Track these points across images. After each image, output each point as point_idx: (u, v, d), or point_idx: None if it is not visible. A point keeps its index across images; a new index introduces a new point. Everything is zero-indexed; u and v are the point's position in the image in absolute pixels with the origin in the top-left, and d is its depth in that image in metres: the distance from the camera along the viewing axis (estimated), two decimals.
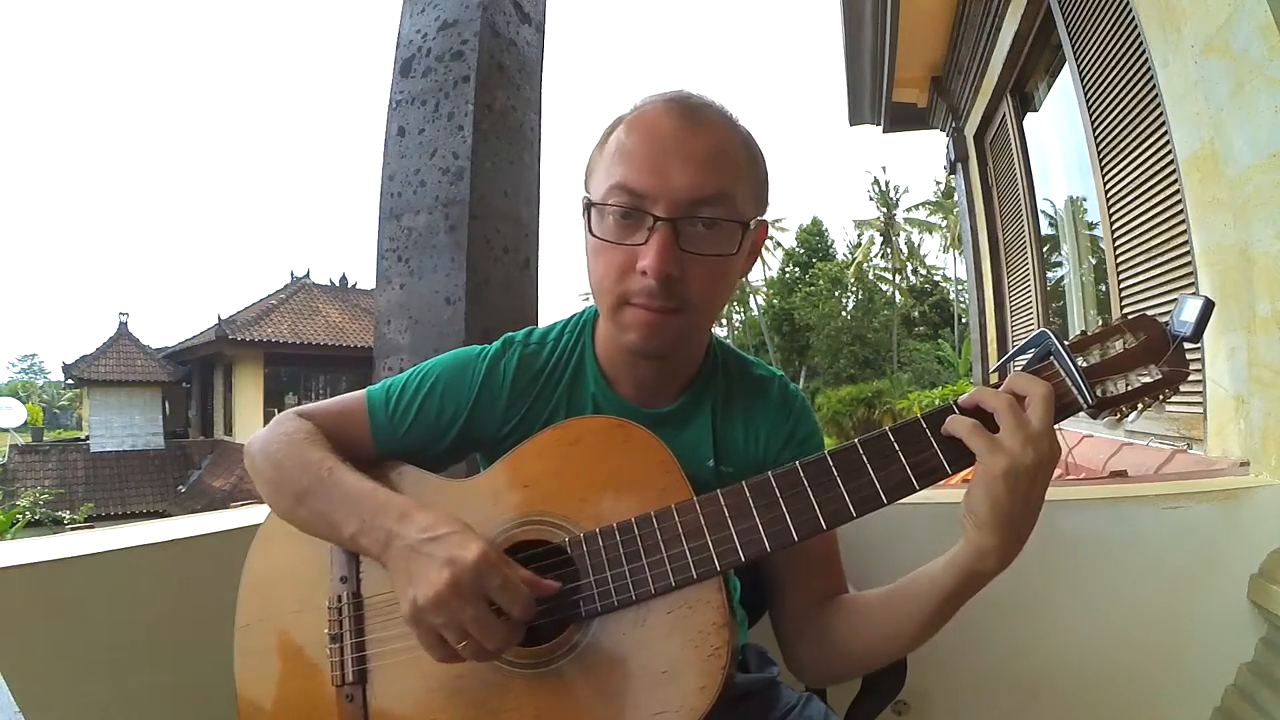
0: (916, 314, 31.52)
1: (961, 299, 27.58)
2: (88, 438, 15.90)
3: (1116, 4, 2.17)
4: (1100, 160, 2.51)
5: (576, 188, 0.74)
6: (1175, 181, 1.87)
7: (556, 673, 0.63)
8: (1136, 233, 2.27)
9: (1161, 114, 1.87)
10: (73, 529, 1.31)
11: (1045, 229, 3.75)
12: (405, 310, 1.31)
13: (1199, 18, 1.44)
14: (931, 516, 1.12)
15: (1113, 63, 2.28)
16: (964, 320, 25.15)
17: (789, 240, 33.96)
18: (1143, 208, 2.20)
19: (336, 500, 0.67)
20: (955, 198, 7.03)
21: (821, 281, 30.74)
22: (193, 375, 17.56)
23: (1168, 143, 1.86)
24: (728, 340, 0.88)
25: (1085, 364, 0.60)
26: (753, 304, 31.87)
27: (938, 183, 28.84)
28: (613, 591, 0.63)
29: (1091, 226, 3.11)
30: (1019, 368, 0.62)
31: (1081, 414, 0.61)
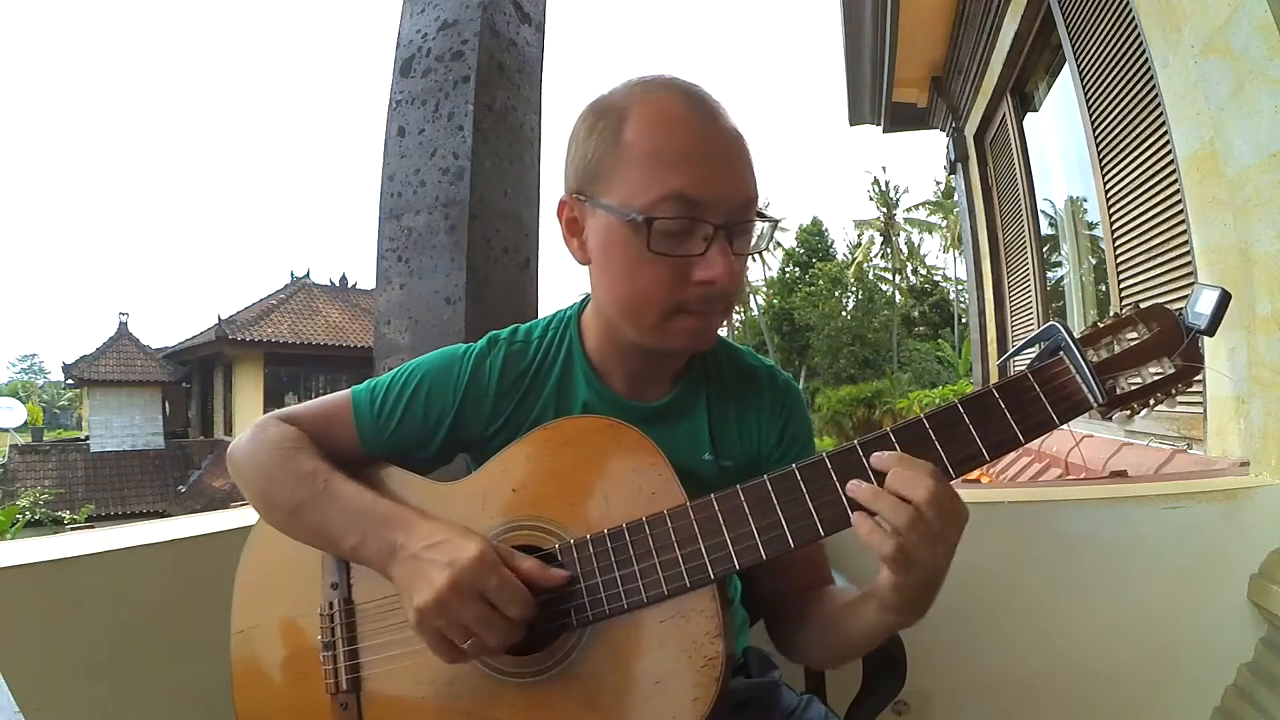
0: (916, 314, 31.50)
1: (961, 299, 27.56)
2: (88, 438, 15.90)
3: (1116, 4, 2.17)
4: (1100, 160, 2.51)
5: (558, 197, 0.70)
6: (1175, 181, 1.87)
7: (548, 681, 0.63)
8: (1136, 233, 2.27)
9: (1161, 114, 1.87)
10: (73, 529, 1.31)
11: (1045, 229, 3.75)
12: (405, 310, 1.31)
13: (1199, 18, 1.44)
14: None
15: (1113, 63, 2.28)
16: (964, 320, 25.14)
17: (789, 240, 33.96)
18: (1143, 207, 2.20)
19: (335, 514, 0.66)
20: (955, 198, 7.03)
21: (821, 281, 30.71)
22: (193, 375, 17.56)
23: (1168, 142, 1.86)
24: (727, 338, 0.88)
25: (1096, 359, 0.57)
26: (753, 304, 31.84)
27: (938, 183, 28.84)
28: (604, 599, 0.62)
29: (1091, 226, 3.11)
30: (1026, 362, 0.60)
31: (1089, 413, 0.58)
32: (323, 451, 0.71)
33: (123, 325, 16.52)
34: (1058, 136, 3.35)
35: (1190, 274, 1.85)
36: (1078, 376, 0.57)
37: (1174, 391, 0.57)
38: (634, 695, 0.60)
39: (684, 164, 0.62)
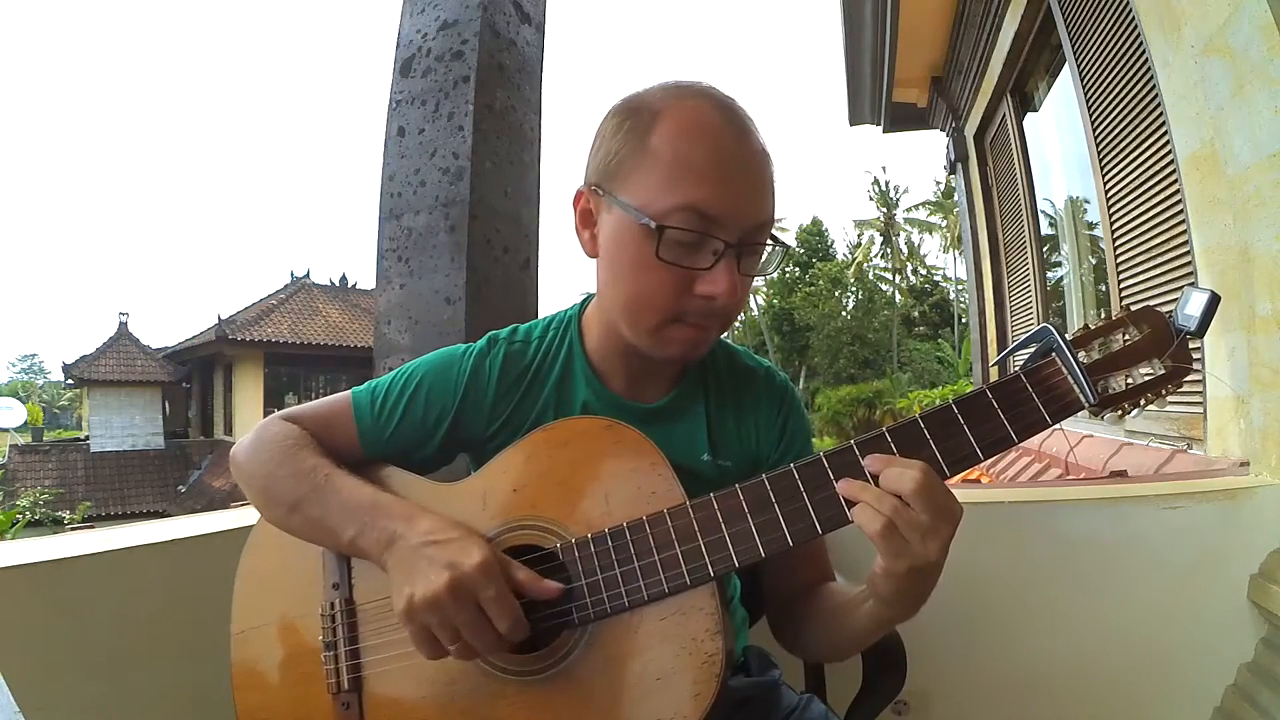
0: (916, 314, 31.51)
1: (961, 299, 27.57)
2: (88, 438, 15.90)
3: (1116, 4, 2.17)
4: (1100, 160, 2.50)
5: (576, 186, 0.72)
6: (1175, 181, 1.87)
7: (550, 680, 0.63)
8: (1136, 232, 2.27)
9: (1161, 114, 1.87)
10: (73, 529, 1.31)
11: (1045, 229, 3.75)
12: (405, 310, 1.31)
13: (1199, 18, 1.44)
14: None
15: (1113, 63, 2.27)
16: (964, 320, 25.14)
17: (789, 240, 33.85)
18: (1143, 207, 2.20)
19: (334, 507, 0.67)
20: (955, 198, 7.03)
21: (821, 281, 30.72)
22: (193, 375, 17.56)
23: (1168, 143, 1.86)
24: (727, 339, 0.88)
25: (1087, 360, 0.59)
26: (753, 304, 31.84)
27: (938, 183, 28.86)
28: (605, 598, 0.62)
29: (1091, 226, 3.11)
30: (1020, 363, 0.62)
31: (1082, 413, 0.60)
32: (324, 449, 0.72)
33: (123, 325, 16.52)
34: (1058, 136, 3.35)
35: (1190, 274, 1.84)
36: (1069, 377, 0.58)
37: (1164, 392, 0.59)
38: (635, 692, 0.61)
39: (705, 177, 0.62)
